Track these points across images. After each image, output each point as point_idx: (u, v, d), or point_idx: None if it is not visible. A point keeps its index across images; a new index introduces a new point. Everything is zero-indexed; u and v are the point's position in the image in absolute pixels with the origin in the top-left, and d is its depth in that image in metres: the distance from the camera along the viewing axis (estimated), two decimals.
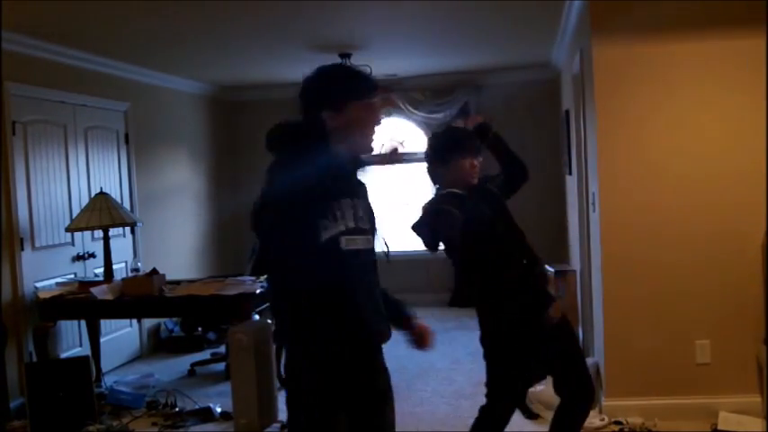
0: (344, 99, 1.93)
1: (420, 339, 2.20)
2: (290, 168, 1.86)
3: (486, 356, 2.95)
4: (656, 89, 3.84)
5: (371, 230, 2.00)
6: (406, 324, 2.19)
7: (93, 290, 4.51)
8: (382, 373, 2.06)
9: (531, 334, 2.85)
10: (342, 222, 1.87)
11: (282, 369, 2.23)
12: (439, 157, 2.92)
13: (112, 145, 5.86)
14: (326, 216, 1.85)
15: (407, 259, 7.50)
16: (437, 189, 2.98)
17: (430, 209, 2.88)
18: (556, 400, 3.53)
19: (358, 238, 1.91)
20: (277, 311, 1.99)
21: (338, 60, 5.90)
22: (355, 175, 2.02)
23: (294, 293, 1.89)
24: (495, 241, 2.86)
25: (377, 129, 2.00)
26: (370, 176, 2.10)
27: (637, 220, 3.88)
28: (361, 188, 2.05)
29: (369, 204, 2.04)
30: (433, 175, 2.97)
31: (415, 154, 7.94)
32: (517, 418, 4.04)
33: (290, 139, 1.93)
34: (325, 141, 1.90)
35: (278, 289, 1.97)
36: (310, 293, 1.86)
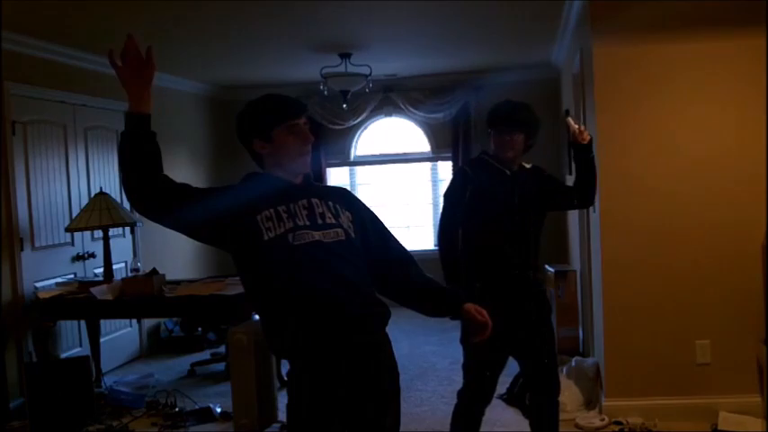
0: (269, 126, 2.02)
1: (473, 328, 2.10)
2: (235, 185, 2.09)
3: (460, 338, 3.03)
4: (656, 89, 3.84)
5: (341, 224, 2.01)
6: (454, 312, 2.13)
7: (93, 290, 4.51)
8: (380, 370, 2.03)
9: (501, 324, 2.89)
10: (289, 221, 1.94)
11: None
12: (487, 124, 3.05)
13: (112, 145, 5.85)
14: (263, 216, 1.93)
15: None
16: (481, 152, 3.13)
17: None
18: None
19: (315, 232, 1.95)
20: (259, 317, 2.08)
21: (338, 61, 5.91)
22: (310, 184, 2.10)
23: (257, 295, 2.01)
24: (490, 217, 2.93)
25: (307, 147, 2.05)
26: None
27: (637, 220, 3.88)
28: (324, 191, 2.11)
29: (340, 203, 2.06)
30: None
31: (415, 154, 7.98)
32: (517, 418, 4.05)
33: (244, 178, 2.12)
34: (263, 170, 2.08)
35: (248, 296, 2.08)
36: (270, 291, 1.95)
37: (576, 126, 3.04)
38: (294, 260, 1.91)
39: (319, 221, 1.98)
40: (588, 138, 3.03)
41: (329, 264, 1.93)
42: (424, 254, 7.97)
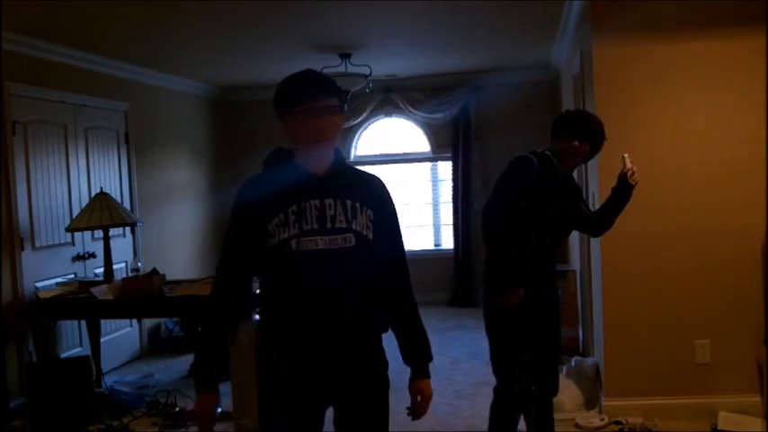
0: (283, 109, 1.92)
1: (415, 404, 2.08)
2: (251, 183, 1.97)
3: (487, 329, 3.06)
4: (655, 89, 3.85)
5: (354, 228, 1.93)
6: (411, 375, 2.09)
7: (94, 290, 4.51)
8: (381, 369, 2.04)
9: (527, 316, 2.97)
10: (295, 226, 1.88)
11: None
12: (556, 129, 3.02)
13: (112, 145, 5.86)
14: (274, 224, 1.88)
15: (409, 259, 7.49)
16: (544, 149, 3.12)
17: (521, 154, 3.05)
18: (555, 399, 3.56)
19: (321, 238, 1.89)
20: (261, 314, 2.08)
21: (338, 61, 5.91)
22: (336, 173, 1.98)
23: (265, 293, 2.00)
24: (540, 216, 2.96)
25: (319, 134, 1.90)
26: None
27: (637, 220, 3.87)
28: (346, 184, 1.98)
29: (361, 200, 1.96)
30: (552, 138, 3.07)
31: (415, 154, 7.98)
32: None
33: (267, 158, 2.02)
34: (286, 153, 1.99)
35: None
36: (276, 291, 1.95)
37: (631, 166, 3.05)
38: (295, 265, 1.89)
39: (328, 225, 1.90)
40: (636, 181, 3.06)
41: (330, 270, 1.90)
42: (424, 254, 7.99)
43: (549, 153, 3.00)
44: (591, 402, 4.11)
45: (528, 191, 2.91)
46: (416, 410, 2.08)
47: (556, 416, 3.97)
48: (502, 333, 2.99)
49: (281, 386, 1.98)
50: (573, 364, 4.36)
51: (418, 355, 2.07)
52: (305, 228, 1.88)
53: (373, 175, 2.08)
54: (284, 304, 1.93)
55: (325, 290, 1.90)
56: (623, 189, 3.06)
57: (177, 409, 4.45)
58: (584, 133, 2.94)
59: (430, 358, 2.09)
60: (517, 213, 2.91)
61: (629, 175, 3.03)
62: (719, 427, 3.68)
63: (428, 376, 2.08)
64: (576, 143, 2.93)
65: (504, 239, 2.93)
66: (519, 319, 2.94)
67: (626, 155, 3.09)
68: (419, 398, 2.07)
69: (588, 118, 3.03)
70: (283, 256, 1.88)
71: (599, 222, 3.17)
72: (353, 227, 1.93)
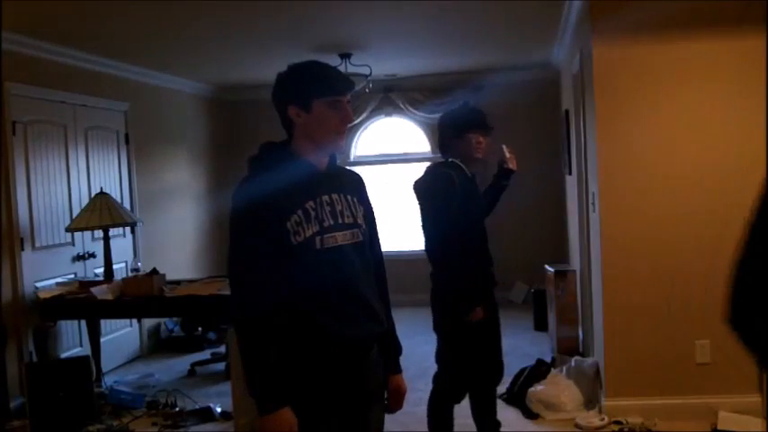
0: (310, 96, 1.88)
1: (391, 400, 2.08)
2: (253, 184, 1.88)
3: (434, 325, 3.11)
4: (655, 89, 3.85)
5: (359, 223, 1.95)
6: (385, 371, 2.07)
7: (94, 290, 4.51)
8: (372, 372, 2.00)
9: (487, 328, 3.10)
10: (316, 223, 1.85)
11: None
12: (451, 129, 3.14)
13: (112, 145, 5.86)
14: (293, 222, 1.83)
15: (406, 259, 7.51)
16: (445, 159, 3.20)
17: (433, 170, 3.15)
18: (555, 399, 3.56)
19: (338, 234, 1.89)
20: None
21: (338, 61, 5.90)
22: (333, 169, 2.00)
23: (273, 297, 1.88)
24: (472, 220, 3.07)
25: (346, 126, 1.94)
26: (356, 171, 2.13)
27: (636, 220, 3.88)
28: (343, 180, 2.01)
29: (356, 195, 1.99)
30: (446, 146, 3.18)
31: (415, 154, 7.98)
32: (517, 418, 4.05)
33: (258, 154, 1.96)
34: (287, 147, 1.94)
35: None
36: (285, 297, 1.85)
37: (509, 154, 3.29)
38: (318, 264, 1.85)
39: (339, 221, 1.90)
40: (515, 166, 3.29)
41: (348, 266, 1.89)
42: (423, 254, 7.98)
43: (453, 160, 3.12)
44: (591, 402, 4.11)
45: (458, 204, 3.00)
46: (393, 406, 2.08)
47: (556, 416, 4.01)
48: (464, 349, 3.06)
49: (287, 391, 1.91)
50: (573, 364, 4.36)
51: (393, 350, 2.09)
52: (324, 224, 1.87)
53: (356, 172, 2.15)
54: (302, 303, 1.86)
55: (347, 287, 1.89)
56: (504, 174, 3.29)
57: (177, 408, 4.46)
58: (465, 125, 3.07)
59: (401, 352, 2.12)
60: (461, 229, 3.00)
61: (509, 161, 3.27)
62: (719, 427, 3.68)
63: (401, 371, 2.10)
64: (469, 137, 3.07)
65: (458, 259, 3.00)
66: (481, 334, 3.05)
67: (504, 145, 3.32)
68: (395, 393, 2.07)
69: (458, 111, 3.17)
70: (307, 254, 1.84)
71: (488, 205, 3.32)
72: (359, 221, 1.95)
